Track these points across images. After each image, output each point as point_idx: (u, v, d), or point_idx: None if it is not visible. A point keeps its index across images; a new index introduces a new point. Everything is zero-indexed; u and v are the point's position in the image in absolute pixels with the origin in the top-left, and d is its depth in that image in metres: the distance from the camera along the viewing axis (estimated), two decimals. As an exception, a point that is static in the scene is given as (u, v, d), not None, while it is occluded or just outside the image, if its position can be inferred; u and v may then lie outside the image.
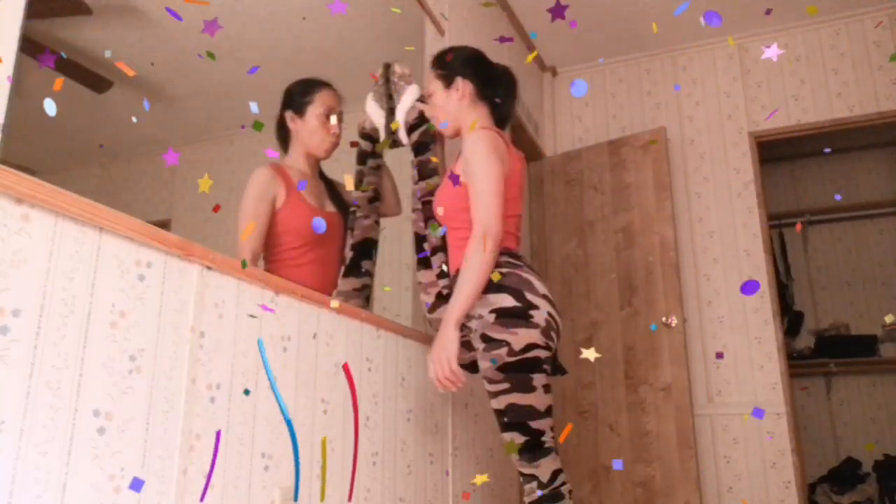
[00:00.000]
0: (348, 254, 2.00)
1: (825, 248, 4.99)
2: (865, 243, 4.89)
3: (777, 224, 4.97)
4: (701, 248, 3.75)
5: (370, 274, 2.02)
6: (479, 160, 1.85)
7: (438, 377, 1.77)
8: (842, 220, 4.97)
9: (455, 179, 1.77)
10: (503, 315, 1.75)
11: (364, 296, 1.99)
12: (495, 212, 1.81)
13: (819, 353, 4.64)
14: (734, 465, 3.44)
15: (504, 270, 1.81)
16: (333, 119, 1.93)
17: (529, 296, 1.78)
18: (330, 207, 2.01)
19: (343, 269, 1.98)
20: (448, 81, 2.00)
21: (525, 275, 1.82)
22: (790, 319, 4.83)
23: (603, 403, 3.47)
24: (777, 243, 4.94)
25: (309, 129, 1.95)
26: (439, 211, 1.98)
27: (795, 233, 5.06)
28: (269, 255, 1.87)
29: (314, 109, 1.94)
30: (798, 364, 4.56)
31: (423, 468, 2.22)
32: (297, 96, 1.96)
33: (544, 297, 1.81)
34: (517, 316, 1.75)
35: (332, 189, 2.06)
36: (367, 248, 2.02)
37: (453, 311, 1.77)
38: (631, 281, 3.51)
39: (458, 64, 2.01)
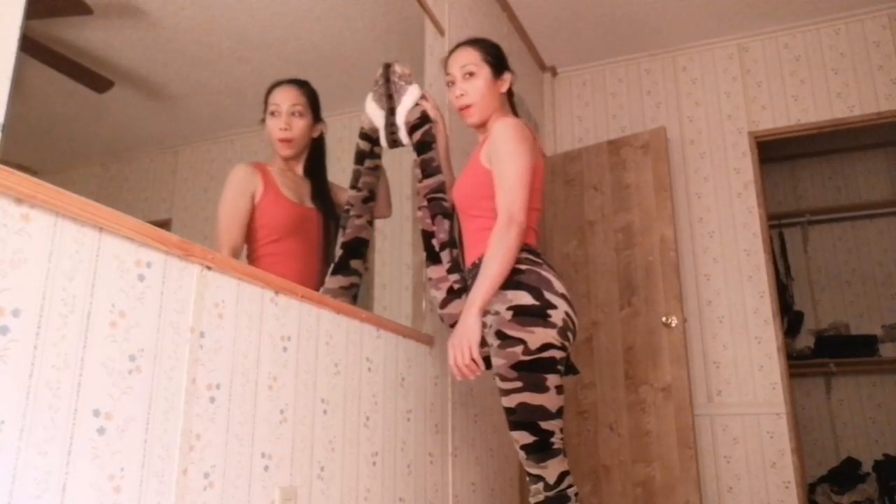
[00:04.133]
0: (338, 252, 2.00)
1: (825, 248, 4.99)
2: (865, 243, 4.89)
3: (777, 224, 4.98)
4: (701, 248, 3.75)
5: (359, 273, 2.03)
6: (509, 147, 1.83)
7: (458, 364, 1.73)
8: (842, 220, 4.97)
9: (478, 166, 1.75)
10: (520, 313, 1.74)
11: (351, 294, 1.99)
12: (522, 200, 1.79)
13: (819, 353, 4.64)
14: (734, 465, 3.45)
15: (524, 267, 1.79)
16: (269, 118, 1.94)
17: (548, 294, 1.76)
18: (310, 204, 2.01)
19: (332, 266, 1.99)
20: (498, 71, 2.00)
21: (544, 273, 1.80)
22: (790, 319, 4.83)
23: (603, 403, 3.47)
24: (777, 243, 4.94)
25: (267, 131, 1.98)
26: (460, 199, 1.96)
27: (795, 233, 5.06)
28: (250, 251, 1.89)
29: (266, 112, 1.97)
30: (798, 364, 4.56)
31: (423, 468, 2.22)
32: (264, 99, 1.99)
33: (562, 296, 1.79)
34: (535, 314, 1.73)
35: (320, 188, 2.06)
36: (357, 248, 2.02)
37: (476, 298, 1.74)
38: (631, 281, 3.51)
39: (504, 57, 2.04)
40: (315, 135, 2.04)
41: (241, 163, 1.90)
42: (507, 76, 2.02)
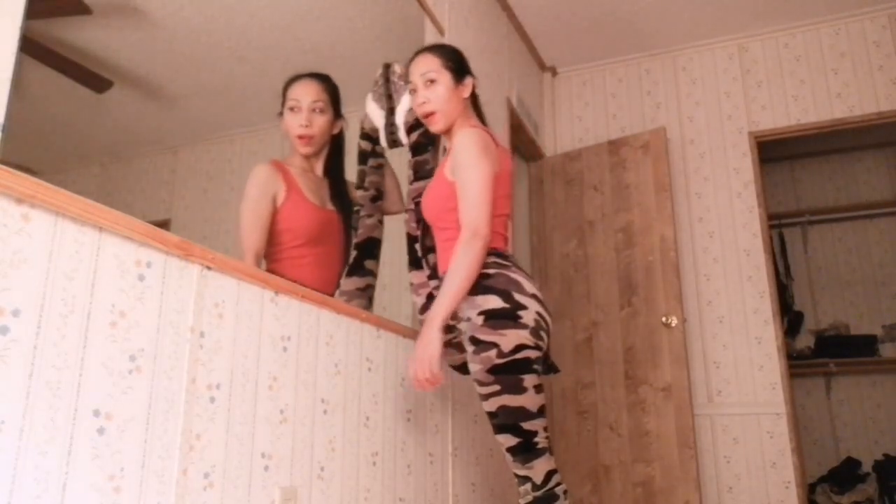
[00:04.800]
0: (352, 253, 1.99)
1: (825, 248, 4.99)
2: (865, 243, 4.89)
3: (777, 224, 4.97)
4: (701, 248, 3.75)
5: (373, 273, 2.01)
6: (470, 159, 1.82)
7: (418, 377, 1.74)
8: (842, 220, 4.97)
9: (442, 178, 1.74)
10: (491, 317, 1.74)
11: (367, 295, 1.98)
12: (484, 212, 1.78)
13: (819, 353, 4.64)
14: (734, 465, 3.45)
15: (492, 271, 1.79)
16: (288, 113, 1.90)
17: (517, 296, 1.76)
18: (330, 206, 1.99)
19: (346, 268, 1.97)
20: (459, 77, 1.98)
21: (513, 275, 1.80)
22: (790, 319, 4.83)
23: (603, 403, 3.47)
24: (777, 243, 4.94)
25: (285, 126, 1.94)
26: (427, 211, 1.96)
27: (795, 233, 5.06)
28: (270, 255, 1.86)
29: (285, 106, 1.93)
30: (798, 364, 4.56)
31: (423, 468, 2.22)
32: (281, 95, 1.95)
33: (533, 296, 1.79)
34: (505, 317, 1.74)
35: (338, 187, 2.04)
36: (370, 248, 2.01)
37: (438, 312, 1.74)
38: (631, 281, 3.51)
39: (465, 62, 2.02)
40: (335, 131, 2.00)
41: (261, 163, 1.86)
42: (468, 81, 1.99)
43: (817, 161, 5.11)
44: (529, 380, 1.75)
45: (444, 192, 1.89)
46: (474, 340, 1.75)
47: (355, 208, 2.04)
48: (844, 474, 4.33)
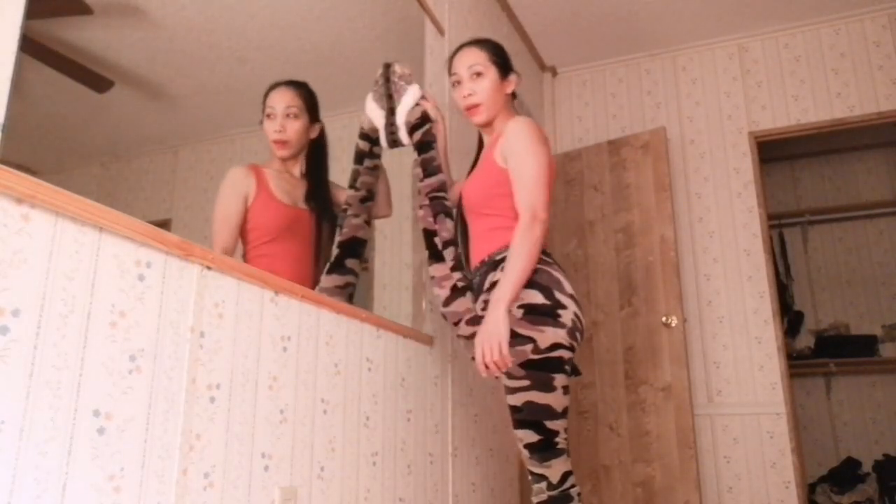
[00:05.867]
0: (334, 251, 2.01)
1: (825, 248, 4.99)
2: (865, 243, 4.89)
3: (777, 224, 4.97)
4: (701, 248, 3.75)
5: (354, 272, 2.03)
6: (527, 145, 1.85)
7: (487, 360, 1.72)
8: (842, 220, 4.97)
9: (492, 165, 1.78)
10: (531, 311, 1.74)
11: (347, 293, 2.00)
12: (544, 197, 1.81)
13: (819, 353, 4.64)
14: (734, 465, 3.44)
15: (536, 266, 1.80)
16: (266, 120, 1.96)
17: (558, 295, 1.77)
18: (303, 205, 2.02)
19: (327, 265, 1.99)
20: (505, 72, 2.03)
21: (555, 273, 1.82)
22: (790, 319, 4.82)
23: (603, 403, 3.47)
24: (777, 243, 4.94)
25: (265, 132, 1.99)
26: (471, 198, 1.97)
27: (795, 233, 5.06)
28: (245, 251, 1.91)
29: (264, 114, 1.99)
30: (798, 364, 4.56)
31: (423, 468, 2.22)
32: (262, 101, 2.00)
33: (571, 296, 1.81)
34: (545, 314, 1.74)
35: (316, 188, 2.07)
36: (354, 247, 2.03)
37: (504, 294, 1.73)
38: (631, 281, 3.51)
39: (509, 59, 2.07)
40: (313, 136, 2.04)
41: (237, 165, 1.91)
42: (513, 78, 2.05)
43: (817, 161, 5.11)
44: (559, 379, 1.75)
45: (494, 178, 1.91)
46: (511, 332, 1.74)
47: (343, 207, 2.06)
48: (844, 474, 4.33)
